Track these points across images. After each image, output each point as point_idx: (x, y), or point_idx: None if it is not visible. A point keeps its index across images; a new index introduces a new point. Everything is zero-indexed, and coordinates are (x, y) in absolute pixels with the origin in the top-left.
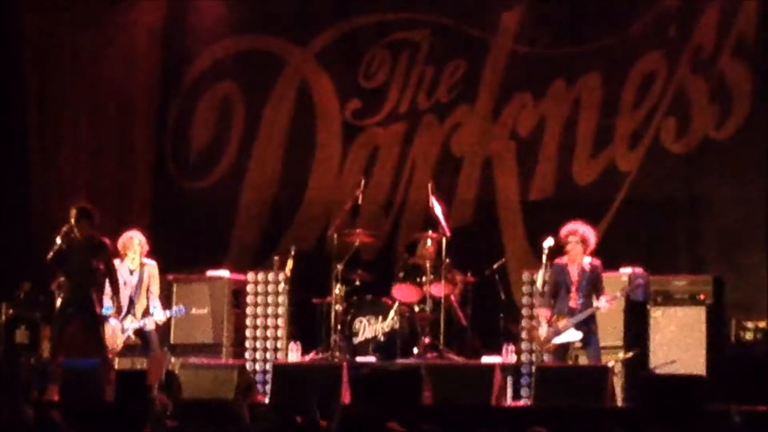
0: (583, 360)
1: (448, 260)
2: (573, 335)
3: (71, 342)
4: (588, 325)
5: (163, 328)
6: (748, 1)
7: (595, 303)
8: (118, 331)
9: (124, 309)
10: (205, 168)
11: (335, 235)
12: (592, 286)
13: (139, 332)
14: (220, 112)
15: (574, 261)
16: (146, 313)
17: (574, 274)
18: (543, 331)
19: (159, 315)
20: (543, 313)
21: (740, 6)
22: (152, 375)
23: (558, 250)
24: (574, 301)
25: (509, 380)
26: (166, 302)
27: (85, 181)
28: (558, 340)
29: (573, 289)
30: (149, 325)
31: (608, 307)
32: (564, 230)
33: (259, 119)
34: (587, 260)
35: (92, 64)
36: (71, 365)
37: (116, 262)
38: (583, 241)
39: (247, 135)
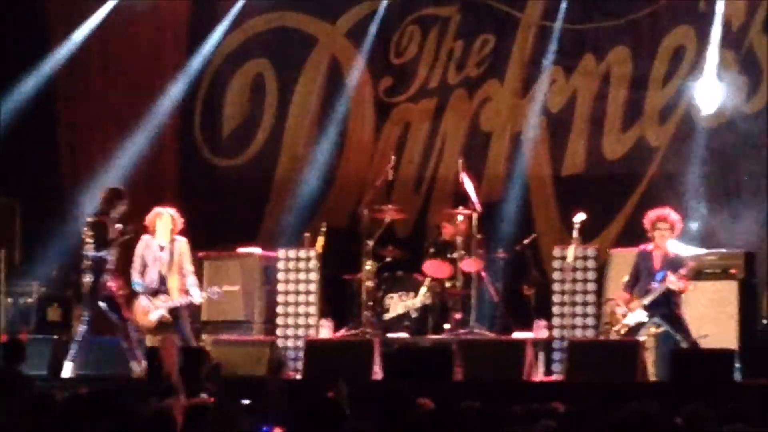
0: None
1: (479, 236)
2: (639, 316)
3: (102, 320)
4: (667, 306)
5: (194, 306)
6: None
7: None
8: (150, 309)
9: (155, 285)
10: (238, 146)
11: (366, 212)
12: (674, 271)
13: (172, 310)
14: (252, 89)
15: (659, 247)
16: (185, 292)
17: (657, 260)
18: (618, 313)
19: (197, 297)
20: (621, 296)
21: None
22: (169, 361)
23: (585, 226)
24: (652, 285)
25: (541, 356)
26: (197, 280)
27: (115, 160)
28: (627, 321)
29: (654, 274)
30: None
31: (676, 282)
32: (651, 216)
33: (292, 96)
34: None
35: (120, 40)
36: (97, 342)
37: (147, 237)
38: (672, 229)
39: (280, 112)
